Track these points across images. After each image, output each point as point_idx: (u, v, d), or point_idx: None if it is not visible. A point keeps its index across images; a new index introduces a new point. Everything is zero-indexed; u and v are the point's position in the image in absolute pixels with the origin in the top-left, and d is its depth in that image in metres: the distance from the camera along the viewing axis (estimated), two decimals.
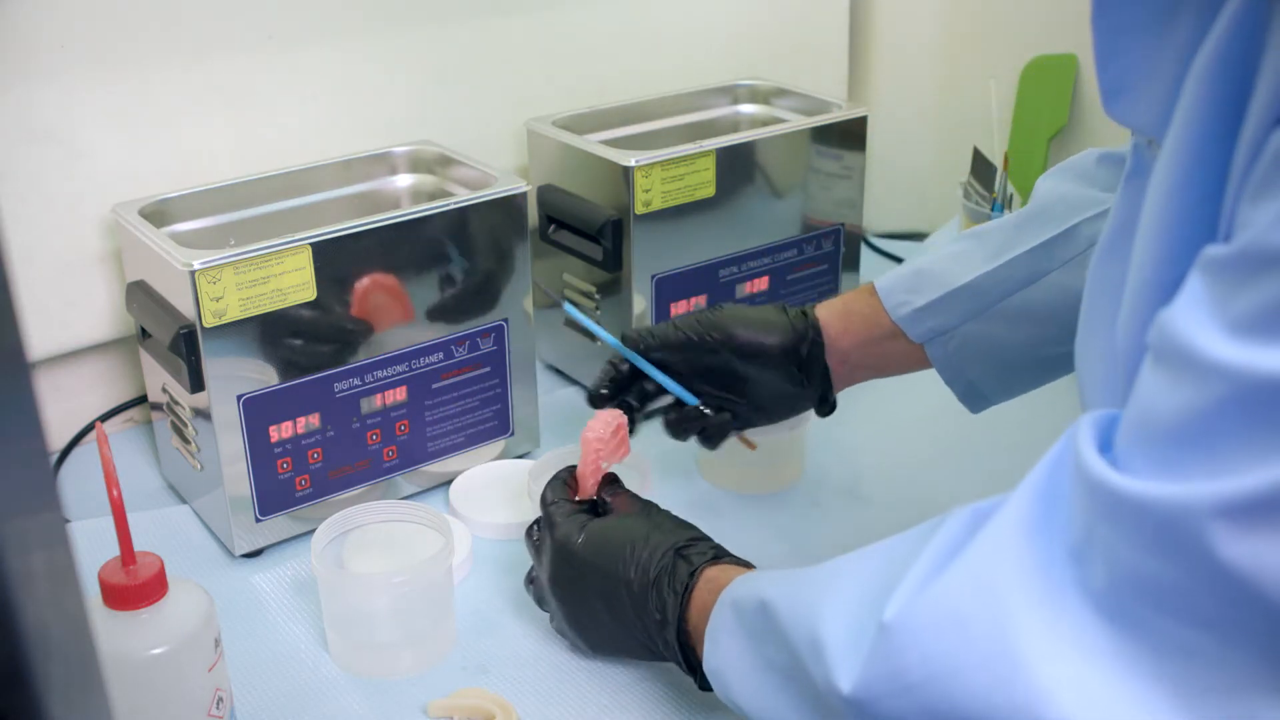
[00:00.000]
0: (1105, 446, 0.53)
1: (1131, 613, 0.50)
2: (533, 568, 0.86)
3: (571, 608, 0.82)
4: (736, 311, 0.94)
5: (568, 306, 0.95)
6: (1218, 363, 0.47)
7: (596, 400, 0.92)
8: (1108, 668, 0.51)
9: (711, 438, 0.94)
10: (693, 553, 0.76)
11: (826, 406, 0.96)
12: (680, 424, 0.93)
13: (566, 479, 0.86)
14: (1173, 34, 0.55)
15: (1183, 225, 0.53)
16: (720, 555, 0.77)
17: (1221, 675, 0.49)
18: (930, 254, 0.93)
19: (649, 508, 0.83)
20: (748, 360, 0.92)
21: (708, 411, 0.92)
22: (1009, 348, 0.90)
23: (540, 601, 0.86)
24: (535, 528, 0.85)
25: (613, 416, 0.88)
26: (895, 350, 0.93)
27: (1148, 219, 0.56)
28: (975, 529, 0.56)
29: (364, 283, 0.95)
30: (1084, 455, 0.52)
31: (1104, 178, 0.88)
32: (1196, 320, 0.48)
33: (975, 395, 0.94)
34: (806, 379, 0.93)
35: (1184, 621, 0.49)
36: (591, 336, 0.97)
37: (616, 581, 0.77)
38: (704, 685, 0.75)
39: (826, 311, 0.94)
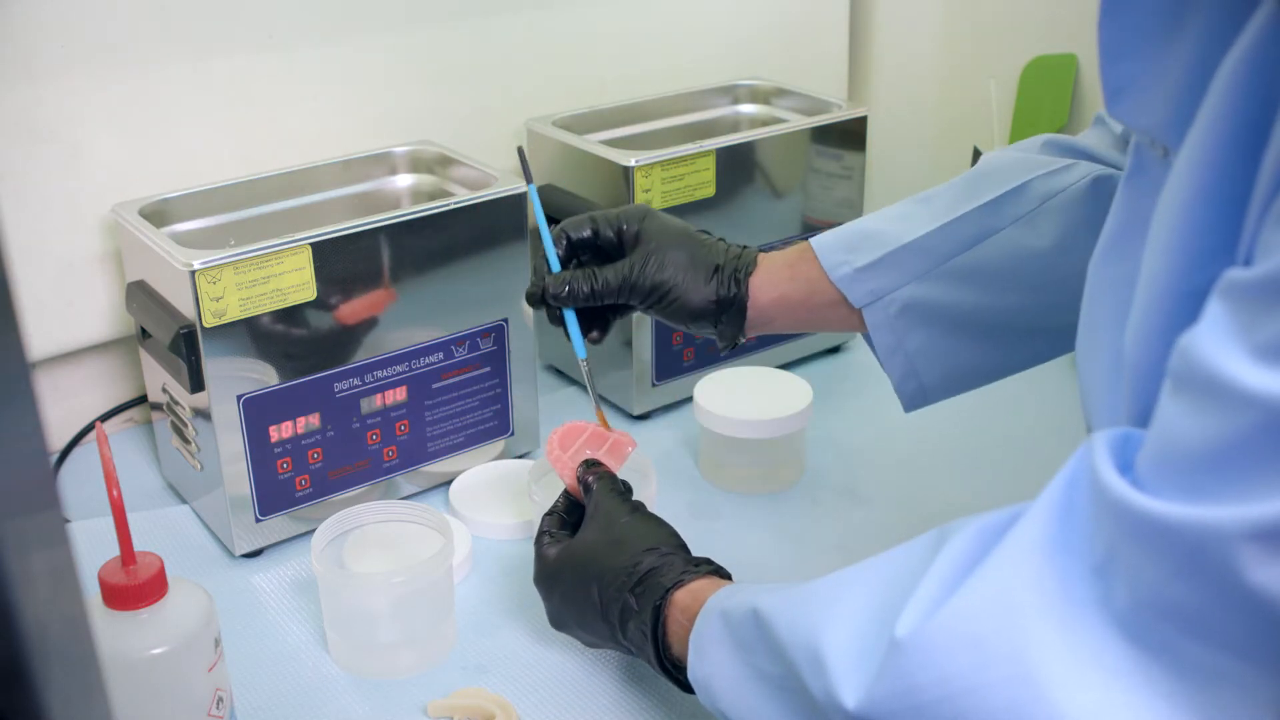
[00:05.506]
0: (1124, 468, 0.52)
1: (1155, 635, 0.49)
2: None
3: (556, 620, 0.84)
4: (663, 256, 0.85)
5: (532, 189, 0.91)
6: (1245, 390, 0.46)
7: (533, 301, 0.87)
8: (1130, 691, 0.50)
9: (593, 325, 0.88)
10: (650, 585, 0.75)
11: (731, 345, 0.89)
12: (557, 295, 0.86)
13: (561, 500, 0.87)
14: (1180, 41, 0.55)
15: (1201, 237, 0.52)
16: (682, 579, 0.74)
17: (1246, 700, 0.48)
18: (872, 215, 0.88)
19: (610, 523, 0.80)
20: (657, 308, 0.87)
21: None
22: (954, 313, 0.85)
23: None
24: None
25: (559, 431, 0.88)
26: (833, 317, 0.87)
27: (1161, 228, 0.55)
28: (988, 545, 0.55)
29: (353, 302, 0.95)
30: (1103, 475, 0.51)
31: (1051, 155, 0.87)
32: (1221, 346, 0.47)
33: (912, 382, 0.88)
34: (716, 326, 0.87)
35: (1209, 645, 0.48)
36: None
37: (589, 617, 0.79)
38: (687, 688, 0.74)
39: (767, 266, 0.87)
